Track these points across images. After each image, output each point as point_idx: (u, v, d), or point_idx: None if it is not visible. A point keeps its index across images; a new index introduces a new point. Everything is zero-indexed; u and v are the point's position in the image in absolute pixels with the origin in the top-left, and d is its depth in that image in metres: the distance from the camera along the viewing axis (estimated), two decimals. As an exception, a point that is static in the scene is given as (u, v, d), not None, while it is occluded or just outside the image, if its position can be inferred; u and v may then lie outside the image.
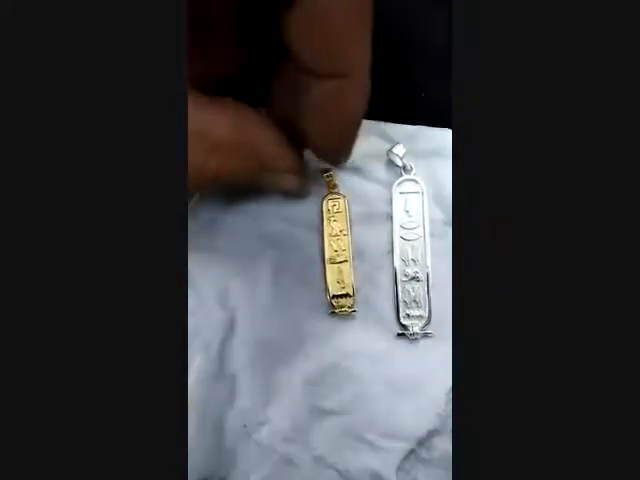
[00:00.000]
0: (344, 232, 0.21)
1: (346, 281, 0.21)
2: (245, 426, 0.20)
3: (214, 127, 0.15)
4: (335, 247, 0.21)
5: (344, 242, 0.21)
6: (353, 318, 0.21)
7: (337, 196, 0.21)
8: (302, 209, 0.22)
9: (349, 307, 0.21)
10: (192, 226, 0.22)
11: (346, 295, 0.20)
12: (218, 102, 0.15)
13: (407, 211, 0.21)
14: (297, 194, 0.21)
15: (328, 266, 0.21)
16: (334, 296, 0.20)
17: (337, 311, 0.20)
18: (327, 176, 0.21)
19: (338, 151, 0.18)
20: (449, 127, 0.22)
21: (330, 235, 0.21)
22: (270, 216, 0.22)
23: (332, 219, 0.21)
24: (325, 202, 0.21)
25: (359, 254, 0.21)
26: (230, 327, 0.21)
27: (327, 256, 0.21)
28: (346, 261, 0.21)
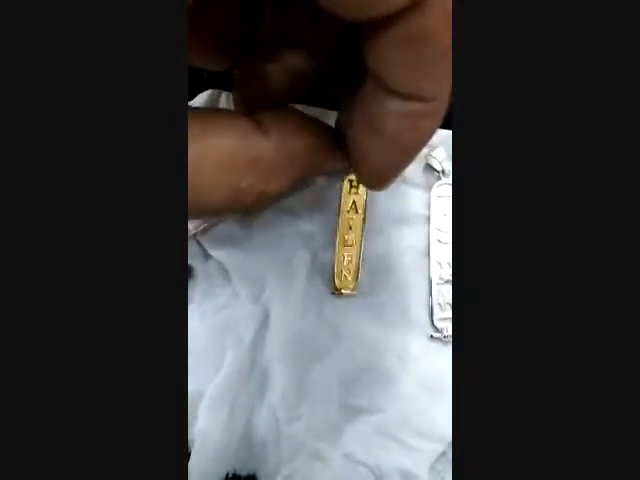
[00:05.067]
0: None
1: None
2: (276, 420, 0.21)
3: (266, 154, 0.14)
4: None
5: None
6: (387, 318, 0.21)
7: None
8: (336, 208, 0.22)
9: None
10: (227, 222, 0.22)
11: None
12: (261, 124, 0.14)
13: (445, 215, 0.21)
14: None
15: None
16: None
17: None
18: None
19: (386, 177, 0.16)
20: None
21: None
22: (305, 215, 0.22)
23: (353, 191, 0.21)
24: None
25: (395, 255, 0.21)
26: (264, 322, 0.22)
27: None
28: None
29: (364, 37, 0.13)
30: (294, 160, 0.15)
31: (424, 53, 0.13)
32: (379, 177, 0.17)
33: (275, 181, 0.15)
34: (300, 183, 0.16)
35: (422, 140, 0.15)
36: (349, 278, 0.21)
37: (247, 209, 0.15)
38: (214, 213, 0.15)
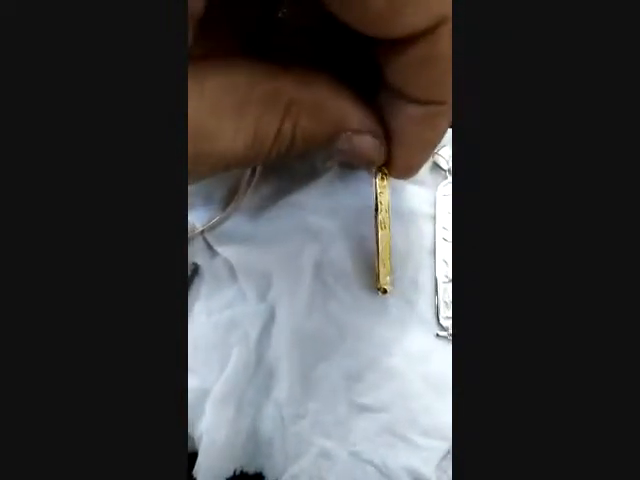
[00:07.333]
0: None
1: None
2: (282, 418, 0.21)
3: (284, 87, 0.14)
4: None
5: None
6: (393, 316, 0.21)
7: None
8: (345, 202, 0.22)
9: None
10: (234, 218, 0.22)
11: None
12: (283, 64, 0.15)
13: (450, 213, 0.22)
14: (377, 161, 0.18)
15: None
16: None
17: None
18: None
19: (416, 169, 0.18)
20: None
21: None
22: (313, 209, 0.22)
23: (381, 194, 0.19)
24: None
25: (402, 254, 0.21)
26: (269, 320, 0.22)
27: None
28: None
29: (382, 55, 0.14)
30: (312, 93, 0.15)
31: (437, 69, 0.14)
32: (409, 173, 0.18)
33: (295, 117, 0.14)
34: (324, 138, 0.16)
35: (440, 136, 0.16)
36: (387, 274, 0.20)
37: (267, 153, 0.15)
38: (234, 163, 0.15)
